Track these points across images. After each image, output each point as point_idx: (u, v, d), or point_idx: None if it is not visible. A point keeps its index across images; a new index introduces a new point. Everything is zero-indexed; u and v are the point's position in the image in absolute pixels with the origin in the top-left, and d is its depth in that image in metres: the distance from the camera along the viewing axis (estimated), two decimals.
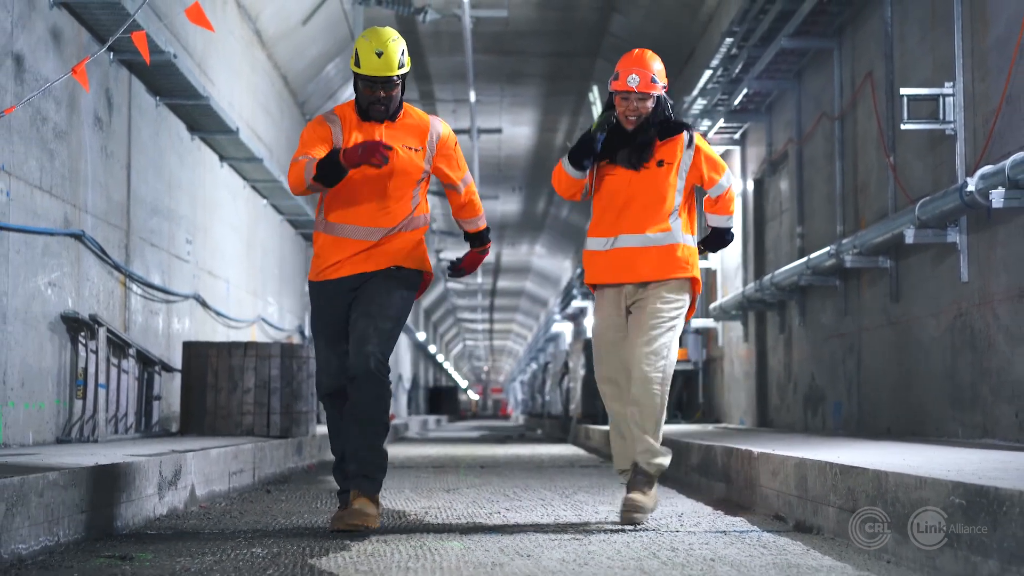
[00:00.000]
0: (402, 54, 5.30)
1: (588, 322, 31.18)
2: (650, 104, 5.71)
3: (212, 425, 10.16)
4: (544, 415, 30.44)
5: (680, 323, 5.75)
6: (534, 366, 51.81)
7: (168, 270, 11.25)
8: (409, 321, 34.39)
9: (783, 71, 12.72)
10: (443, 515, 6.22)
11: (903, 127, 8.75)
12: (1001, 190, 7.23)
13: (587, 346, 19.31)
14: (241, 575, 4.12)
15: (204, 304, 12.57)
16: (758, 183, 14.97)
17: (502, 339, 79.58)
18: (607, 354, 5.83)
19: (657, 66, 5.73)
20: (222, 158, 13.39)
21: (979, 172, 7.53)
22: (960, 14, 8.32)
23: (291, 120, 17.63)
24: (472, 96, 20.71)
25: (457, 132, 23.46)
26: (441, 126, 5.54)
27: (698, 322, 17.10)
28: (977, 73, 8.15)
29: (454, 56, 19.83)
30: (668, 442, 8.96)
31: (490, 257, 40.23)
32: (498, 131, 24.85)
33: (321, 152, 5.28)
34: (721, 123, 14.62)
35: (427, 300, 46.25)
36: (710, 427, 14.16)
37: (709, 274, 17.37)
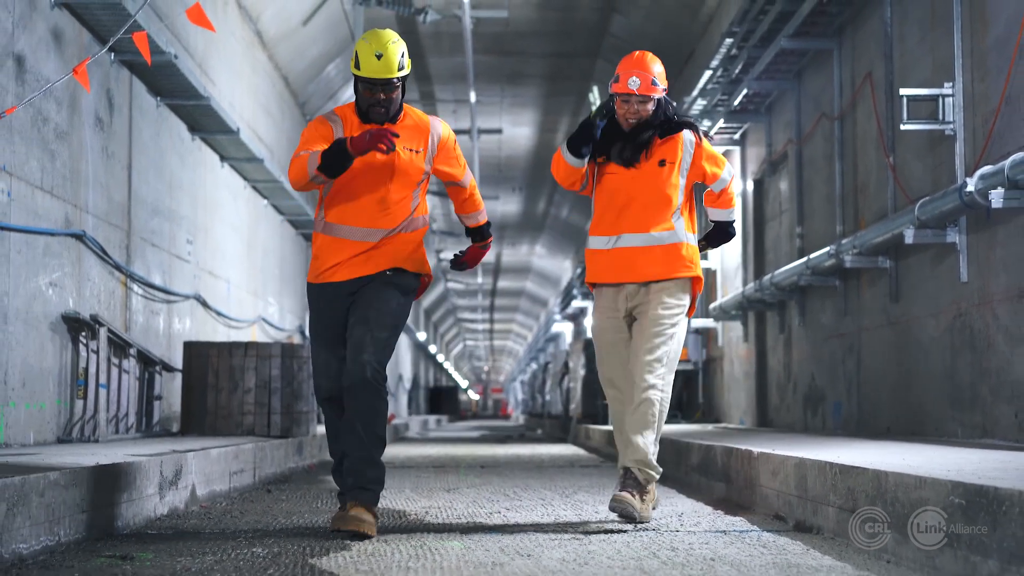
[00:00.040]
0: (402, 56, 5.29)
1: (588, 322, 31.17)
2: (650, 107, 5.71)
3: (213, 425, 10.18)
4: (544, 415, 30.45)
5: (682, 328, 5.77)
6: (534, 366, 51.81)
7: (169, 270, 11.26)
8: (409, 321, 34.39)
9: (783, 71, 12.73)
10: (443, 515, 6.23)
11: (903, 127, 8.77)
12: (1000, 190, 7.24)
13: (587, 346, 19.32)
14: (242, 575, 4.13)
15: (205, 304, 12.58)
16: (758, 183, 14.98)
17: (502, 339, 79.59)
18: (607, 355, 5.84)
19: (658, 68, 5.73)
20: (223, 158, 13.40)
21: (978, 172, 7.54)
22: (960, 14, 8.33)
23: (292, 120, 17.64)
24: (472, 96, 20.72)
25: (457, 132, 23.46)
26: (441, 126, 5.54)
27: (698, 322, 17.11)
28: (976, 73, 8.16)
29: (454, 57, 19.84)
30: (668, 442, 9.01)
31: (490, 257, 40.25)
32: (498, 131, 24.86)
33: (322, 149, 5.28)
34: (721, 123, 14.63)
35: (427, 300, 46.26)
36: (710, 427, 14.17)
37: (709, 274, 17.38)
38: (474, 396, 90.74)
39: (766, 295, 13.34)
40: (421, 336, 44.43)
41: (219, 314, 13.21)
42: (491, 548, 4.79)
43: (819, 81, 12.11)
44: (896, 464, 4.90)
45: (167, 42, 9.67)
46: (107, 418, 8.93)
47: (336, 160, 5.14)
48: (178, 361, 11.02)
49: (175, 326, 11.51)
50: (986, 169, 7.47)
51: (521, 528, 5.54)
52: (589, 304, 28.48)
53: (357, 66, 5.28)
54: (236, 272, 14.35)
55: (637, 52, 5.77)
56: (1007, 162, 7.17)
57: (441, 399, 51.01)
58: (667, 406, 5.70)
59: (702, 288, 5.89)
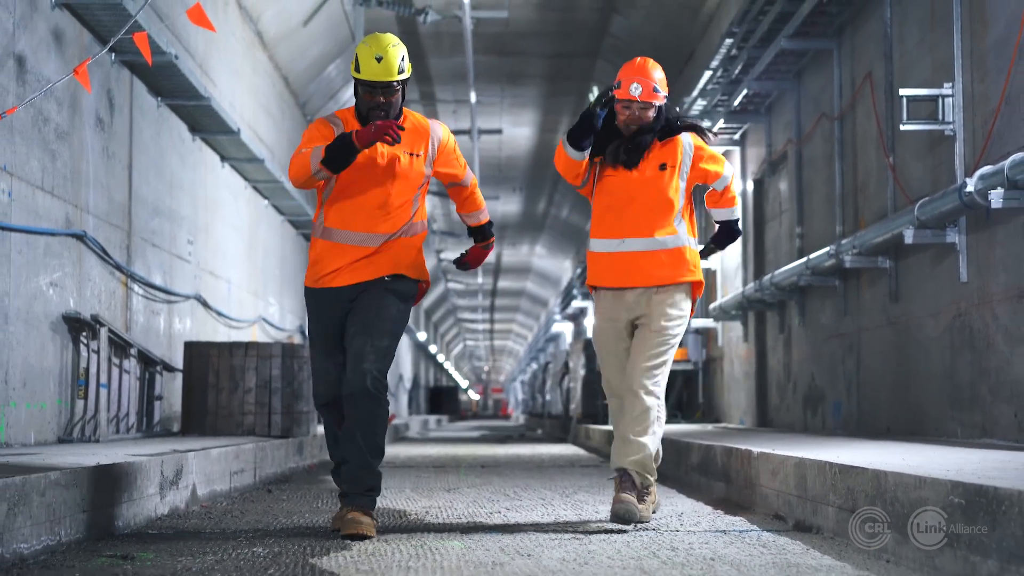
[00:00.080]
0: (402, 60, 5.28)
1: (588, 322, 31.19)
2: (651, 114, 5.71)
3: (213, 425, 10.19)
4: (544, 415, 30.46)
5: (682, 334, 5.80)
6: (534, 366, 51.82)
7: (169, 270, 11.27)
8: (410, 322, 34.38)
9: (783, 72, 12.74)
10: (444, 514, 6.24)
11: (902, 128, 8.77)
12: (1000, 190, 7.25)
13: (587, 346, 19.33)
14: (242, 574, 4.14)
15: (205, 304, 12.60)
16: (758, 183, 14.99)
17: (502, 339, 79.59)
18: (606, 361, 5.87)
19: (659, 75, 5.73)
20: (223, 159, 13.42)
21: (978, 172, 7.55)
22: (959, 15, 8.34)
23: (292, 121, 17.65)
24: (473, 97, 20.73)
25: (457, 133, 23.54)
26: (440, 130, 5.54)
27: (698, 322, 17.11)
28: (976, 74, 8.17)
29: (455, 57, 19.85)
30: (668, 442, 9.01)
31: (491, 257, 40.21)
32: (498, 132, 24.87)
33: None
34: (721, 124, 14.64)
35: (428, 301, 46.27)
36: (710, 427, 14.17)
37: (709, 274, 17.38)
38: (474, 396, 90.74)
39: (766, 295, 13.34)
40: (421, 336, 44.44)
41: (220, 314, 13.22)
42: (491, 548, 4.80)
43: (819, 81, 12.12)
44: (896, 464, 4.91)
45: (168, 42, 9.68)
46: (108, 418, 8.94)
47: (340, 154, 5.13)
48: (179, 361, 11.03)
49: (176, 326, 11.52)
50: (986, 169, 7.47)
51: (521, 528, 5.55)
52: (589, 304, 28.49)
53: (357, 69, 5.28)
54: (237, 272, 14.36)
55: (639, 58, 5.77)
56: (1007, 162, 7.18)
57: (441, 399, 51.02)
58: (664, 414, 5.72)
59: (702, 292, 5.91)
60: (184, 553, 4.68)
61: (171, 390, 11.15)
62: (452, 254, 36.55)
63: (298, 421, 10.43)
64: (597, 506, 6.61)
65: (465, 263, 5.82)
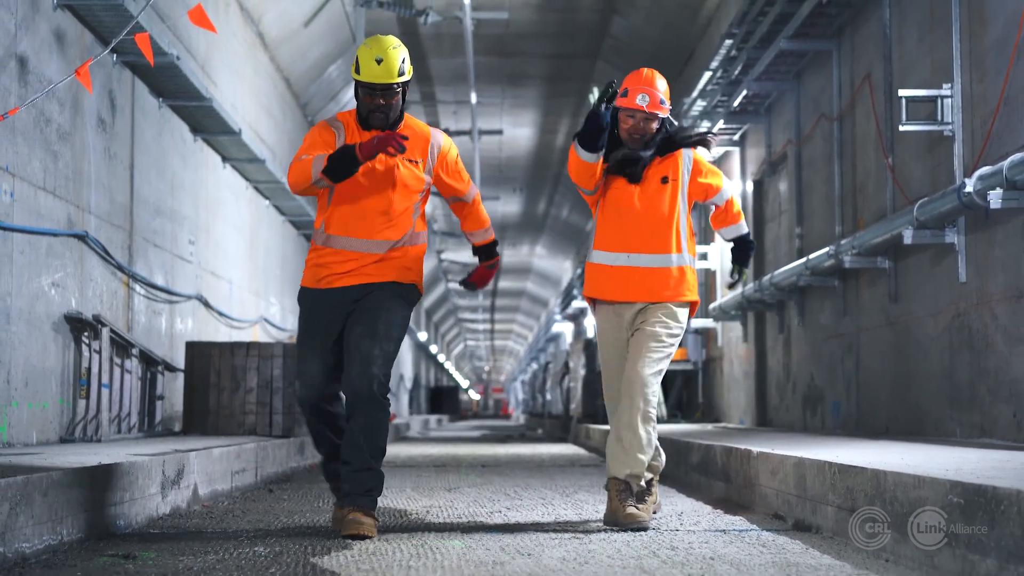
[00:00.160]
0: (403, 62, 5.28)
1: (588, 322, 31.20)
2: (654, 125, 5.73)
3: (215, 425, 10.21)
4: (545, 415, 30.47)
5: (676, 346, 5.82)
6: (535, 366, 51.83)
7: (171, 270, 11.29)
8: (410, 322, 34.37)
9: (782, 73, 12.75)
10: (444, 514, 6.25)
11: (901, 128, 8.79)
12: (999, 191, 7.26)
13: (587, 346, 19.36)
14: (244, 574, 4.15)
15: (207, 304, 12.61)
16: (757, 184, 15.00)
17: (503, 339, 79.59)
18: (608, 375, 5.89)
19: (664, 87, 5.76)
20: (224, 159, 13.44)
21: (977, 173, 7.56)
22: (958, 16, 8.36)
23: (293, 122, 17.67)
24: (473, 98, 20.75)
25: (458, 134, 23.54)
26: (442, 138, 5.52)
27: (698, 322, 17.13)
28: (975, 74, 8.19)
29: (455, 58, 19.86)
30: (668, 442, 9.02)
31: None
32: (499, 132, 24.89)
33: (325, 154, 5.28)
34: (721, 124, 14.65)
35: (428, 301, 46.27)
36: (709, 427, 14.19)
37: (708, 274, 17.40)
38: (475, 396, 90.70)
39: (765, 295, 13.36)
40: (422, 336, 44.44)
41: (221, 314, 13.24)
42: (492, 547, 4.82)
43: (818, 82, 12.14)
44: (895, 463, 4.93)
45: (169, 43, 9.70)
46: (109, 418, 8.96)
47: (342, 165, 5.13)
48: (180, 361, 11.05)
49: (177, 326, 11.54)
50: (985, 170, 7.49)
51: (522, 527, 5.57)
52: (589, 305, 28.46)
53: (357, 71, 5.28)
54: (238, 272, 14.38)
55: (645, 69, 5.79)
56: (1005, 163, 7.19)
57: (442, 399, 51.04)
58: (656, 421, 5.76)
59: (695, 312, 5.95)
60: (186, 552, 4.70)
61: (173, 390, 11.17)
62: (452, 254, 36.59)
63: (299, 421, 10.44)
64: (597, 505, 6.63)
65: (471, 283, 5.77)
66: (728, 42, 12.75)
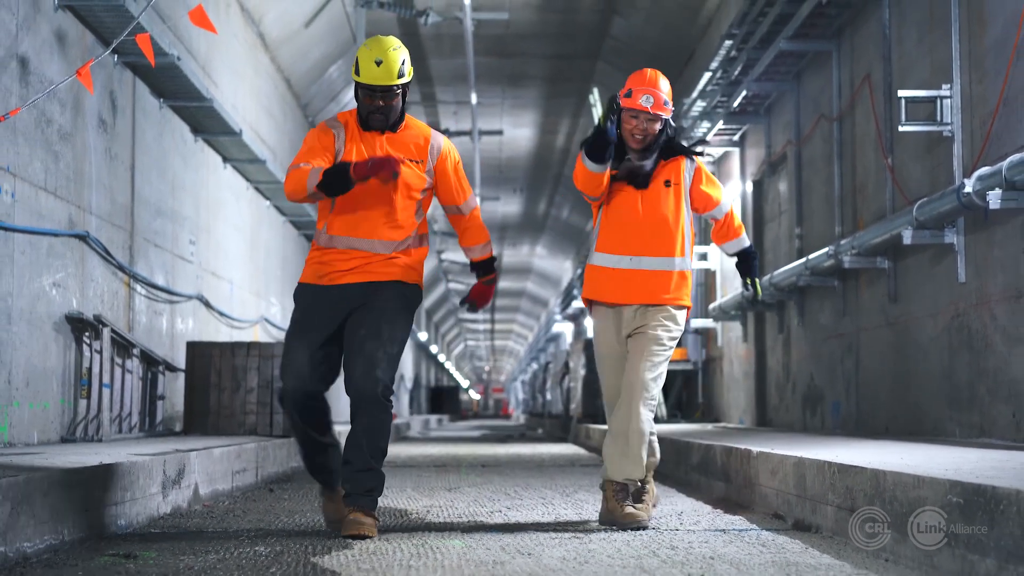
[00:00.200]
0: (403, 63, 5.27)
1: (588, 322, 31.18)
2: (657, 126, 5.74)
3: (215, 424, 10.22)
4: (545, 415, 30.47)
5: (674, 348, 5.84)
6: (535, 366, 51.83)
7: (172, 271, 11.30)
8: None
9: (782, 73, 12.76)
10: (445, 514, 6.26)
11: (901, 129, 8.80)
12: (998, 191, 7.27)
13: (587, 346, 19.35)
14: (244, 573, 4.17)
15: (207, 304, 12.63)
16: (757, 184, 15.01)
17: (503, 339, 79.61)
18: (605, 377, 5.91)
19: (667, 88, 5.77)
20: (225, 160, 13.45)
21: (976, 173, 7.57)
22: (958, 16, 8.37)
23: (294, 122, 17.68)
24: (473, 98, 20.76)
25: (458, 134, 23.53)
26: (443, 140, 5.51)
27: (698, 322, 17.14)
28: (975, 75, 8.20)
29: (455, 58, 19.87)
30: (668, 442, 9.04)
31: None
32: (499, 133, 24.90)
33: (322, 163, 5.25)
34: (720, 125, 14.66)
35: (429, 301, 46.27)
36: (709, 426, 14.20)
37: (708, 275, 17.41)
38: (475, 396, 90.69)
39: (765, 295, 13.37)
40: (423, 336, 44.45)
41: (222, 314, 13.25)
42: (492, 547, 4.83)
43: (818, 82, 12.15)
44: (894, 463, 4.94)
45: (170, 44, 9.71)
46: (110, 418, 8.97)
47: (336, 181, 5.13)
48: (181, 361, 11.06)
49: (178, 326, 11.55)
50: (984, 170, 7.50)
51: (522, 527, 5.58)
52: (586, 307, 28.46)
53: (357, 72, 5.28)
54: (239, 272, 14.39)
55: (649, 70, 5.79)
56: (1005, 163, 7.20)
57: (442, 399, 51.06)
58: (653, 423, 5.79)
59: (688, 316, 5.99)
60: (186, 552, 4.71)
61: (173, 390, 11.18)
62: (452, 254, 36.58)
63: None
64: (597, 505, 6.62)
65: (471, 302, 5.72)
66: (728, 43, 12.76)
